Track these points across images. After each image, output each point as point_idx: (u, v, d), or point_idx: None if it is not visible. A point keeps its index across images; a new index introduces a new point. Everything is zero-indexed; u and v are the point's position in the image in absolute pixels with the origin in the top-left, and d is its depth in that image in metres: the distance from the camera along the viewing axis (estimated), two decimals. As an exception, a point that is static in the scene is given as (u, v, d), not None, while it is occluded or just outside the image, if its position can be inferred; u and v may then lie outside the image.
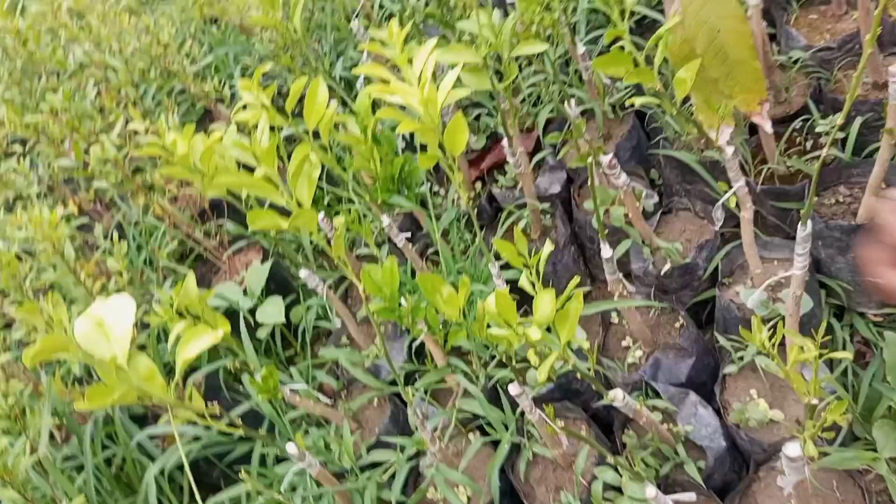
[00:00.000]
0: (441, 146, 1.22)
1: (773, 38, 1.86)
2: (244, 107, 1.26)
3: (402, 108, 1.24)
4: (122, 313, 0.91)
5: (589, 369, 1.04)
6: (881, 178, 1.32)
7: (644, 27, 1.88)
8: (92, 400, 0.88)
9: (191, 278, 1.19)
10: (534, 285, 0.95)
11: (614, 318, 1.53)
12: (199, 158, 1.16)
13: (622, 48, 1.22)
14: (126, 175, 1.61)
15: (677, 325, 1.45)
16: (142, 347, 1.53)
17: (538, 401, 1.42)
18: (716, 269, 1.46)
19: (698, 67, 1.24)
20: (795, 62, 1.66)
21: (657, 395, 1.33)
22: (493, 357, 1.46)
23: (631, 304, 1.35)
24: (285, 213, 1.08)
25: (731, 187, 1.26)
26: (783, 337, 0.99)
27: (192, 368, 1.61)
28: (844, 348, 1.34)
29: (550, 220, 1.73)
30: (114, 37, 2.00)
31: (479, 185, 1.95)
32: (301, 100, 2.29)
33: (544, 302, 0.89)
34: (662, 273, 1.48)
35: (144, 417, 1.65)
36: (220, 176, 1.04)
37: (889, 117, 1.26)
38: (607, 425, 1.40)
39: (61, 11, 1.96)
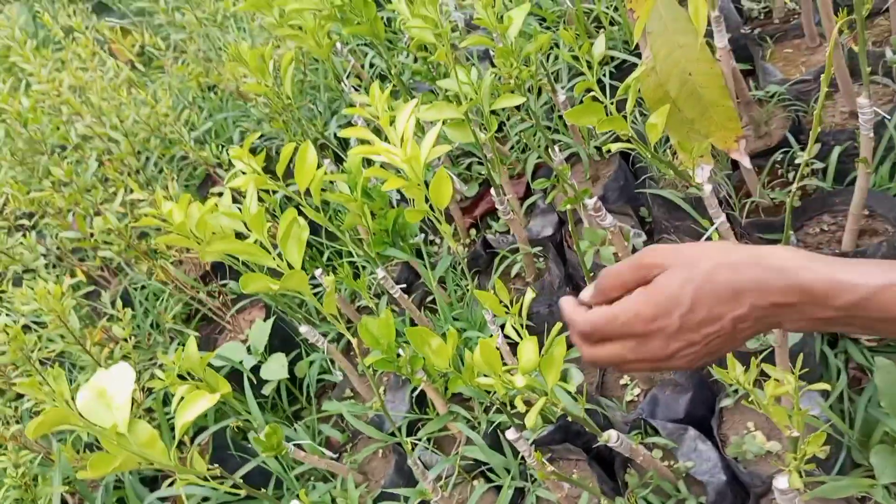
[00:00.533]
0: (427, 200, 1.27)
1: (750, 73, 1.92)
2: (237, 174, 1.32)
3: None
4: (122, 382, 0.95)
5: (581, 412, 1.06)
6: (862, 205, 1.35)
7: (624, 71, 1.93)
8: (94, 468, 0.91)
9: (192, 342, 1.23)
10: (518, 332, 0.98)
11: (611, 357, 1.55)
12: (195, 226, 1.21)
13: (595, 98, 1.27)
14: (130, 243, 1.67)
15: (673, 360, 1.47)
16: (149, 411, 1.56)
17: (540, 444, 1.44)
18: (707, 303, 1.48)
19: (674, 109, 1.29)
20: (773, 96, 1.71)
21: (656, 432, 1.34)
22: (493, 403, 1.48)
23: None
24: (280, 274, 1.12)
25: (713, 223, 1.29)
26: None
27: (200, 429, 1.64)
28: (839, 376, 1.35)
29: (544, 263, 1.76)
30: (114, 110, 2.08)
31: (473, 231, 1.99)
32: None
33: (527, 349, 0.92)
34: (655, 310, 1.50)
35: (155, 479, 1.67)
36: (213, 243, 1.08)
37: (862, 147, 1.30)
38: (610, 465, 1.41)
39: (63, 88, 2.04)
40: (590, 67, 1.47)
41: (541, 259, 1.77)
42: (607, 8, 2.06)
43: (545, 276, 1.72)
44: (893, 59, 1.59)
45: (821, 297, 0.60)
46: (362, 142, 1.25)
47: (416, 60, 2.26)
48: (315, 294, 1.89)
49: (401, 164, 1.23)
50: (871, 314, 0.60)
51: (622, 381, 1.50)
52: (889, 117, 1.48)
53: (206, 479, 1.03)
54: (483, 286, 1.85)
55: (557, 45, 1.96)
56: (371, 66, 2.38)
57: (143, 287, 2.02)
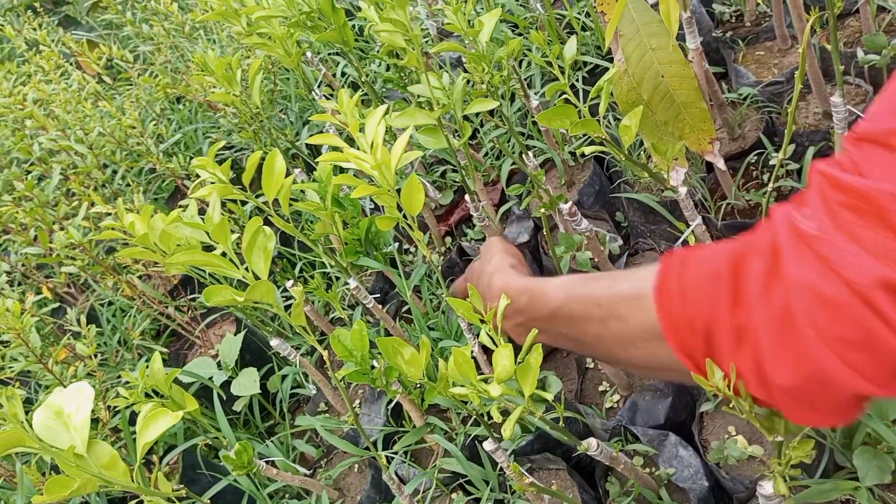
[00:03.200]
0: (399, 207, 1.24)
1: (723, 76, 1.92)
2: (202, 184, 1.28)
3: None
4: (80, 401, 0.91)
5: (558, 420, 1.03)
6: (836, 205, 1.34)
7: (596, 76, 1.92)
8: (51, 492, 0.86)
9: (157, 358, 1.18)
10: (494, 340, 0.95)
11: (590, 364, 1.53)
12: (159, 238, 1.17)
13: (567, 101, 1.25)
14: (94, 258, 1.62)
15: (652, 366, 1.45)
16: (116, 431, 1.51)
17: (519, 454, 1.41)
18: (685, 307, 1.47)
19: (648, 112, 1.27)
20: (746, 98, 1.70)
21: (637, 438, 1.32)
22: (471, 414, 1.45)
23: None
24: (248, 286, 1.09)
25: (689, 226, 1.28)
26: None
27: (169, 447, 1.59)
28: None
29: (522, 270, 1.74)
30: (79, 123, 2.03)
31: (448, 239, 1.97)
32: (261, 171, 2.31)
33: (503, 357, 0.89)
34: (633, 315, 1.48)
35: (123, 500, 1.62)
36: (177, 255, 1.04)
37: (836, 146, 1.30)
38: (591, 473, 1.38)
39: (27, 101, 1.99)
40: (562, 71, 1.46)
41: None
42: (579, 14, 2.05)
43: (522, 284, 1.69)
44: (865, 59, 1.60)
45: (534, 306, 0.74)
46: (334, 149, 1.22)
47: (387, 69, 2.24)
48: (286, 306, 1.86)
49: (371, 170, 1.20)
50: (559, 327, 0.72)
51: (601, 388, 1.48)
52: (863, 116, 1.48)
53: (172, 500, 0.99)
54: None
55: (530, 51, 1.95)
56: (343, 74, 2.35)
57: (109, 303, 1.96)
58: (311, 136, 2.22)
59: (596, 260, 1.51)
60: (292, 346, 1.46)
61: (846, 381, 0.45)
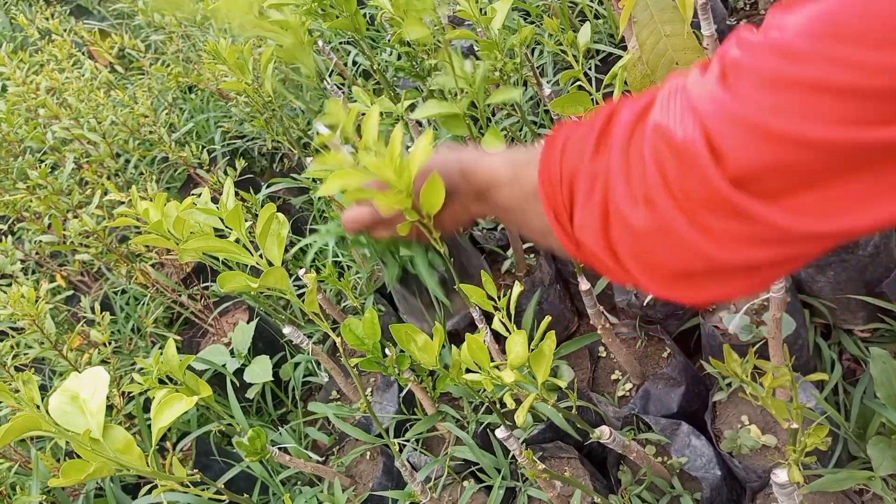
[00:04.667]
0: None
1: (737, 64, 1.90)
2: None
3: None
4: (96, 386, 0.91)
5: (571, 408, 1.03)
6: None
7: (609, 64, 1.91)
8: (67, 475, 0.87)
9: (171, 345, 1.19)
10: (507, 327, 0.95)
11: (602, 353, 1.52)
12: (173, 225, 1.17)
13: (581, 88, 1.24)
14: (108, 245, 1.62)
15: (665, 354, 1.45)
16: (130, 417, 1.52)
17: (531, 442, 1.41)
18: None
19: (660, 99, 1.26)
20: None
21: (649, 427, 1.32)
22: (483, 402, 1.45)
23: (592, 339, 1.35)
24: (261, 273, 1.09)
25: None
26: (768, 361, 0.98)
27: (183, 434, 1.60)
28: (833, 367, 1.33)
29: (535, 259, 1.74)
30: (92, 111, 2.03)
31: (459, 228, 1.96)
32: (281, 159, 2.31)
33: (516, 344, 0.89)
34: (646, 304, 1.48)
35: (137, 487, 1.63)
36: (191, 242, 1.04)
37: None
38: (602, 462, 1.38)
39: (40, 90, 2.00)
40: (576, 59, 1.44)
41: (532, 255, 1.74)
42: (591, 1, 2.04)
43: (535, 273, 1.69)
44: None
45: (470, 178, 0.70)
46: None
47: (399, 57, 2.23)
48: (299, 295, 1.86)
49: (389, 178, 1.19)
50: (492, 198, 0.67)
51: (613, 377, 1.47)
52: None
53: (186, 485, 0.99)
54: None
55: (542, 39, 1.94)
56: (354, 63, 2.34)
57: (123, 291, 1.97)
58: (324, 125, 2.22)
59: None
60: (305, 334, 1.46)
61: (686, 237, 0.43)
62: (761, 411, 1.29)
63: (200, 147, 2.13)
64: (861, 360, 1.36)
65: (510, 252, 1.69)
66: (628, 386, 1.43)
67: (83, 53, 2.70)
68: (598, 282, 1.51)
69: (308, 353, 1.53)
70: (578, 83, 1.29)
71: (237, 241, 1.04)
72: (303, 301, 1.14)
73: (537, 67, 2.03)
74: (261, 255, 1.11)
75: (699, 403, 1.39)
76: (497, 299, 1.03)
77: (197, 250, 1.07)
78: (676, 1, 1.21)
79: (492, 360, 0.99)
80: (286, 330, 1.44)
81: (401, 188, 1.16)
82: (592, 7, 2.01)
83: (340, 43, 2.41)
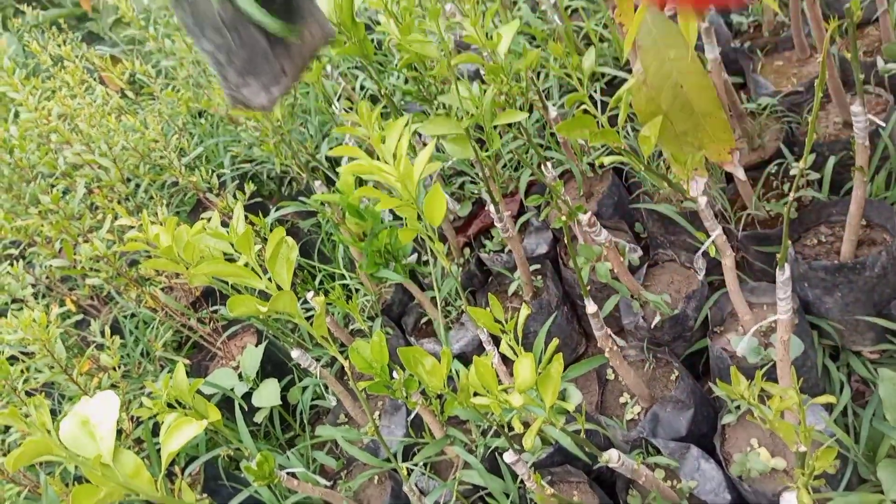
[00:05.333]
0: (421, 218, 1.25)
1: (742, 86, 1.91)
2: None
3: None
4: (106, 410, 0.92)
5: (579, 431, 1.03)
6: (859, 215, 1.34)
7: (614, 87, 1.93)
8: (77, 501, 0.87)
9: (180, 369, 1.19)
10: (514, 350, 0.95)
11: (610, 375, 1.52)
12: (183, 249, 1.18)
13: (586, 111, 1.26)
14: (118, 269, 1.64)
15: (673, 377, 1.44)
16: (139, 442, 1.52)
17: (539, 466, 1.40)
18: (706, 318, 1.46)
19: (667, 122, 1.27)
20: (765, 108, 1.70)
21: (658, 451, 1.31)
22: (491, 425, 1.44)
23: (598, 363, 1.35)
24: (270, 297, 1.10)
25: (709, 236, 1.27)
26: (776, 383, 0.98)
27: (191, 458, 1.60)
28: (841, 389, 1.33)
29: (542, 281, 1.74)
30: (103, 137, 2.06)
31: (467, 250, 1.97)
32: (290, 182, 2.32)
33: (524, 367, 0.89)
34: (653, 326, 1.48)
35: (146, 513, 1.63)
36: (201, 266, 1.05)
37: (858, 155, 1.29)
38: (612, 486, 1.38)
39: (52, 116, 2.02)
40: (580, 82, 1.46)
41: (538, 277, 1.74)
42: (596, 25, 2.06)
43: (543, 295, 1.69)
44: (885, 69, 1.59)
45: None
46: (352, 159, 1.23)
47: (406, 81, 2.25)
48: (307, 318, 1.87)
49: (394, 182, 1.21)
50: None
51: (622, 400, 1.47)
52: (883, 125, 1.47)
53: (194, 510, 0.99)
54: (480, 305, 1.82)
55: (548, 62, 1.96)
56: (362, 88, 2.37)
57: (132, 315, 1.99)
58: (332, 148, 2.24)
59: (615, 271, 1.51)
60: (313, 357, 1.47)
61: None
62: (770, 434, 1.28)
63: (210, 171, 2.15)
64: (870, 382, 1.35)
65: (517, 274, 1.69)
66: (637, 409, 1.42)
67: (95, 79, 2.74)
68: (605, 304, 1.51)
69: (316, 377, 1.53)
70: (584, 107, 1.30)
71: (246, 264, 1.05)
72: (311, 324, 1.15)
73: (543, 90, 2.05)
74: (270, 279, 1.12)
75: (708, 426, 1.38)
76: (504, 322, 1.03)
77: (207, 275, 1.08)
78: (680, 25, 1.23)
79: (500, 382, 1.00)
80: (294, 353, 1.44)
81: (406, 196, 1.16)
82: (598, 31, 2.03)
83: (349, 68, 2.44)
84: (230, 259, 1.16)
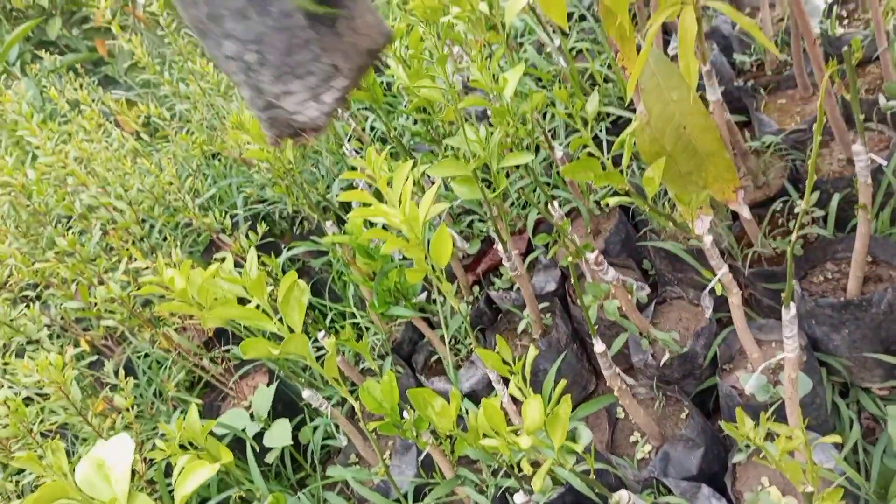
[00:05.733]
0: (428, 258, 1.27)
1: (746, 124, 1.94)
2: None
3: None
4: (121, 453, 0.93)
5: (589, 472, 1.04)
6: (864, 251, 1.35)
7: (620, 126, 1.96)
8: (93, 544, 0.88)
9: (193, 410, 1.21)
10: (522, 391, 0.96)
11: (620, 414, 1.52)
12: (197, 292, 1.21)
13: (591, 153, 1.28)
14: (132, 311, 1.67)
15: (683, 415, 1.44)
16: (151, 483, 1.53)
17: (550, 506, 1.40)
18: (716, 355, 1.47)
19: (671, 162, 1.29)
20: (769, 146, 1.72)
21: (669, 491, 1.31)
22: (501, 465, 1.45)
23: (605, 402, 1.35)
24: (282, 338, 1.12)
25: (715, 274, 1.29)
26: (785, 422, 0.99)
27: (202, 500, 1.61)
28: (851, 426, 1.32)
29: (551, 319, 1.75)
30: (119, 180, 2.11)
31: (476, 288, 1.99)
32: (301, 222, 2.35)
33: (532, 409, 0.90)
34: (662, 364, 1.48)
35: (157, 554, 1.63)
36: (214, 309, 1.08)
37: (860, 194, 1.30)
38: (623, 526, 1.37)
39: (68, 159, 2.07)
40: (585, 124, 1.49)
41: (547, 315, 1.76)
42: (601, 66, 2.10)
43: (552, 333, 1.70)
44: (887, 106, 1.61)
45: None
46: (364, 205, 1.26)
47: (415, 122, 2.30)
48: (318, 357, 1.88)
49: (399, 224, 1.23)
50: None
51: (632, 439, 1.47)
52: (886, 163, 1.49)
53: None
54: (490, 343, 1.83)
55: (554, 104, 2.00)
56: (371, 129, 2.41)
57: (146, 355, 2.01)
58: (343, 189, 2.28)
59: (623, 309, 1.52)
60: (324, 397, 1.48)
61: None
62: (781, 473, 1.28)
63: (223, 212, 2.19)
64: (880, 419, 1.35)
65: (526, 312, 1.71)
66: (647, 448, 1.42)
67: (110, 122, 2.80)
68: (613, 342, 1.52)
69: (327, 417, 1.54)
70: (588, 149, 1.33)
71: (258, 307, 1.07)
72: (322, 365, 1.16)
73: (549, 130, 2.09)
74: (281, 321, 1.14)
75: (719, 465, 1.38)
76: (513, 363, 1.05)
77: (221, 318, 1.11)
78: (681, 69, 1.26)
79: (510, 422, 1.01)
80: (305, 394, 1.46)
81: (412, 238, 1.18)
82: (602, 71, 2.06)
83: (358, 109, 2.49)
84: (243, 301, 1.18)
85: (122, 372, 1.57)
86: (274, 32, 0.54)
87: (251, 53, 0.56)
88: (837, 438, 0.83)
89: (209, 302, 1.19)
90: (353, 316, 1.97)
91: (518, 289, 1.81)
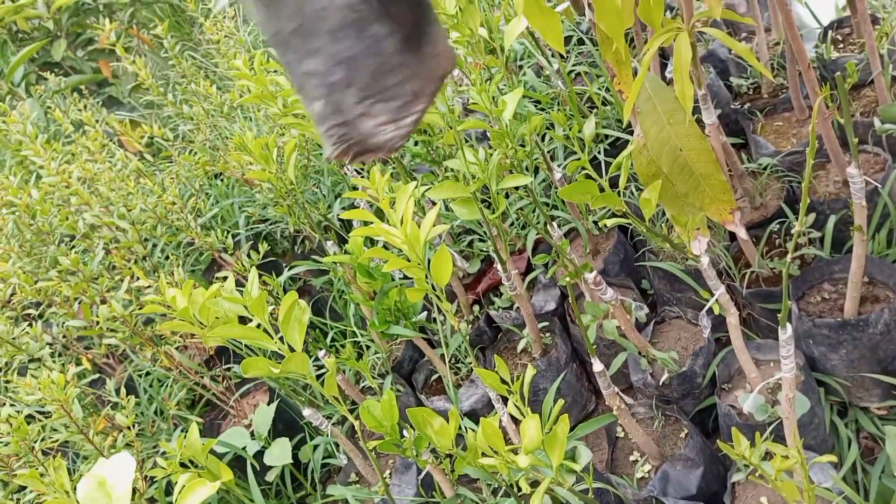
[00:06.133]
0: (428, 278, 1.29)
1: (743, 146, 1.96)
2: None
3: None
4: (122, 471, 0.94)
5: (587, 491, 1.04)
6: (860, 273, 1.36)
7: (618, 147, 1.98)
8: (93, 562, 0.89)
9: (194, 429, 1.22)
10: (521, 410, 0.97)
11: (620, 433, 1.53)
12: (199, 311, 1.22)
13: (588, 176, 1.30)
14: (134, 329, 1.68)
15: (682, 434, 1.45)
16: (152, 501, 1.54)
17: (549, 525, 1.40)
18: (714, 375, 1.48)
19: (668, 184, 1.31)
20: (766, 168, 1.74)
21: (668, 509, 1.31)
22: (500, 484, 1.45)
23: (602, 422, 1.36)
24: (283, 357, 1.13)
25: (713, 294, 1.30)
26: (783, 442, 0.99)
27: (202, 519, 1.60)
28: (850, 446, 1.33)
29: (550, 338, 1.76)
30: (122, 199, 2.12)
31: (476, 307, 2.00)
32: (303, 241, 2.36)
33: (530, 428, 0.91)
34: (661, 383, 1.49)
35: (157, 574, 1.63)
36: (216, 328, 1.09)
37: (856, 215, 1.32)
38: (623, 546, 1.37)
39: (72, 179, 2.09)
40: (583, 147, 1.51)
41: (547, 334, 1.77)
42: (599, 89, 2.12)
43: (552, 352, 1.71)
44: (882, 129, 1.63)
45: None
46: (365, 223, 1.27)
47: (416, 143, 2.32)
48: (318, 376, 1.89)
49: (401, 244, 1.25)
50: None
51: (632, 458, 1.47)
52: (880, 185, 1.51)
53: (207, 571, 1.00)
54: (490, 362, 1.84)
55: (553, 126, 2.02)
56: (373, 149, 2.43)
57: (147, 373, 2.02)
58: (343, 208, 2.30)
59: (622, 328, 1.53)
60: (324, 416, 1.49)
61: None
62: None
63: (225, 232, 2.20)
64: (878, 439, 1.36)
65: (526, 331, 1.72)
66: (647, 467, 1.43)
67: (114, 142, 2.83)
68: (612, 361, 1.53)
69: (327, 435, 1.55)
70: (586, 171, 1.35)
71: (259, 326, 1.08)
72: (322, 384, 1.17)
73: (549, 151, 2.11)
74: (282, 340, 1.15)
75: (718, 484, 1.38)
76: (511, 382, 1.06)
77: (222, 337, 1.12)
78: (677, 93, 1.28)
79: (509, 441, 1.02)
80: (306, 412, 1.46)
81: (413, 258, 1.20)
82: (600, 94, 2.09)
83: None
84: (244, 320, 1.20)
85: (123, 390, 1.58)
86: (366, 55, 0.54)
87: (338, 73, 0.54)
88: (833, 458, 0.84)
89: (210, 321, 1.20)
90: (354, 335, 1.98)
91: (518, 308, 1.82)
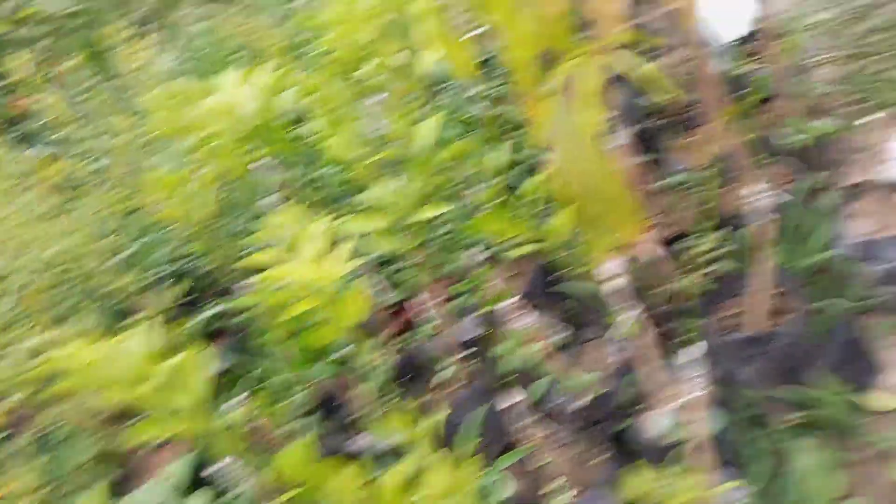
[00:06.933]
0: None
1: (656, 163, 1.99)
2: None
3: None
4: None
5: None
6: (768, 286, 1.39)
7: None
8: None
9: (101, 490, 1.16)
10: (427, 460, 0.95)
11: (545, 460, 1.52)
12: (97, 368, 1.16)
13: (503, 203, 1.29)
14: (37, 389, 1.60)
15: (605, 457, 1.45)
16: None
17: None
18: (633, 395, 1.48)
19: (581, 207, 1.31)
20: (679, 185, 1.77)
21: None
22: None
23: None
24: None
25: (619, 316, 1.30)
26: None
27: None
28: (763, 460, 1.34)
29: (476, 365, 1.74)
30: (34, 243, 2.04)
31: (405, 334, 1.97)
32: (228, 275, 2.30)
33: (438, 478, 0.89)
34: (582, 406, 1.49)
35: None
36: (112, 389, 1.04)
37: (763, 228, 1.34)
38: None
39: (-23, 225, 2.00)
40: (498, 174, 1.50)
41: (473, 362, 1.75)
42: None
43: (476, 381, 1.69)
44: (789, 141, 1.67)
45: None
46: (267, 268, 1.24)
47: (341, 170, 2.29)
48: (228, 428, 1.81)
49: (309, 284, 1.22)
50: None
51: (555, 484, 1.46)
52: (784, 199, 1.54)
53: None
54: (416, 392, 1.81)
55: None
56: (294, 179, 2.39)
57: (53, 432, 1.91)
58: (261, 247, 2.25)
59: (543, 352, 1.53)
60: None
61: None
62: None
63: (144, 270, 2.13)
64: (791, 451, 1.37)
65: (451, 360, 1.70)
66: (572, 493, 1.42)
67: (30, 178, 2.72)
68: (533, 386, 1.52)
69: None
70: (501, 200, 1.34)
71: (156, 386, 1.04)
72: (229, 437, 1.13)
73: (473, 175, 2.10)
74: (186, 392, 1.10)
75: (644, 506, 1.38)
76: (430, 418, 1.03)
77: (119, 398, 1.07)
78: (584, 119, 1.28)
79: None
80: (215, 467, 1.40)
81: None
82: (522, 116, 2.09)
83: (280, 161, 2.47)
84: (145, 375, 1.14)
85: (27, 450, 1.50)
86: None
87: None
88: (735, 484, 0.84)
89: (110, 379, 1.14)
90: (282, 370, 1.93)
91: (443, 336, 1.80)
